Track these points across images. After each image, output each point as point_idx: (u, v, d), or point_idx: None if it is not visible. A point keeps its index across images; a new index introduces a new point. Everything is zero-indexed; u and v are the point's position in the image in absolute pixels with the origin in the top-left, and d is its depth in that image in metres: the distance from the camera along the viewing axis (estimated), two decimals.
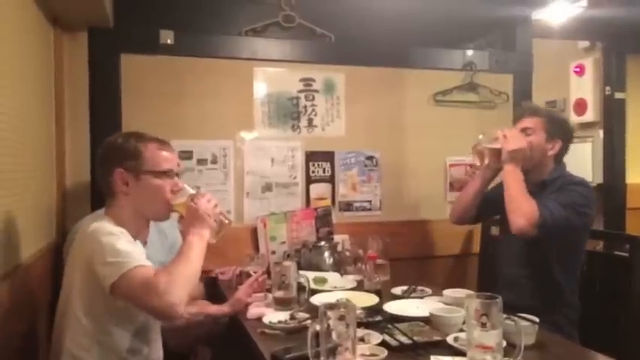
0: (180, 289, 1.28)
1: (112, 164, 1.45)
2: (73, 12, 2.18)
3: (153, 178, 1.45)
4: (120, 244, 1.32)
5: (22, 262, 1.64)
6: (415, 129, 2.92)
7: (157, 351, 1.54)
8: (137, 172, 1.44)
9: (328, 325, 1.19)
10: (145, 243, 2.09)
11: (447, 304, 1.76)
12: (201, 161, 2.60)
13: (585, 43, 3.83)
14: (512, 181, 1.98)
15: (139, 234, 1.51)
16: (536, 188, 2.05)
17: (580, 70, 3.85)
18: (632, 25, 3.18)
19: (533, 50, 3.10)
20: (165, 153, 1.50)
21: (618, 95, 3.63)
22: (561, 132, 2.09)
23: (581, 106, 3.84)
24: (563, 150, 2.10)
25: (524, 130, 2.08)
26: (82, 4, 2.08)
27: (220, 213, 1.51)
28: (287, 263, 1.94)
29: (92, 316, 1.36)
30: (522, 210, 1.91)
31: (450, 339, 1.46)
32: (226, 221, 1.52)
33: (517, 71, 3.07)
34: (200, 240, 1.42)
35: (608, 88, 3.65)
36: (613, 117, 3.64)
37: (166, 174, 1.47)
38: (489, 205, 2.24)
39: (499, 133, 2.07)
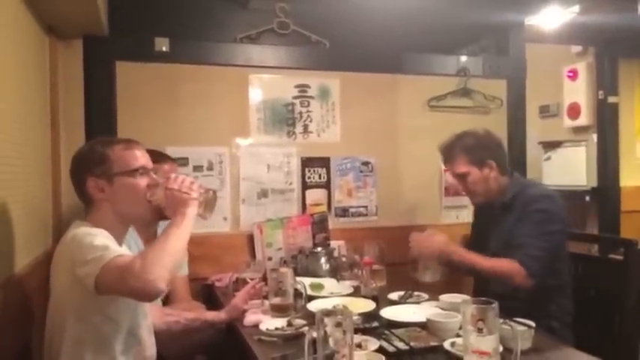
0: (157, 266, 1.25)
1: (82, 174, 1.44)
2: (67, 20, 2.18)
3: (126, 178, 1.43)
4: (97, 240, 1.31)
5: (17, 271, 1.63)
6: (410, 134, 2.94)
7: (150, 348, 1.52)
8: (109, 176, 1.43)
9: (325, 332, 1.19)
10: None
11: (443, 309, 1.77)
12: (197, 168, 2.60)
13: (578, 48, 3.86)
14: (469, 262, 1.99)
15: (121, 239, 1.50)
16: (499, 210, 2.11)
17: (573, 75, 3.88)
18: (624, 30, 3.21)
19: (527, 55, 3.13)
20: (133, 151, 1.47)
21: (611, 99, 3.66)
22: (486, 152, 2.10)
23: (574, 110, 3.86)
24: (501, 163, 2.11)
25: (460, 176, 2.12)
26: (77, 12, 2.08)
27: (200, 186, 1.48)
28: (283, 269, 1.94)
29: (82, 322, 1.35)
30: (505, 273, 1.92)
31: (446, 344, 1.46)
32: (210, 192, 1.50)
33: (511, 76, 3.09)
34: (182, 217, 1.40)
35: (601, 92, 3.68)
36: (606, 121, 3.67)
37: (138, 172, 1.45)
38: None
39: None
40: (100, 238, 1.33)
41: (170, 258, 1.30)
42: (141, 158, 1.48)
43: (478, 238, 2.29)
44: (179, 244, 1.36)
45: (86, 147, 1.49)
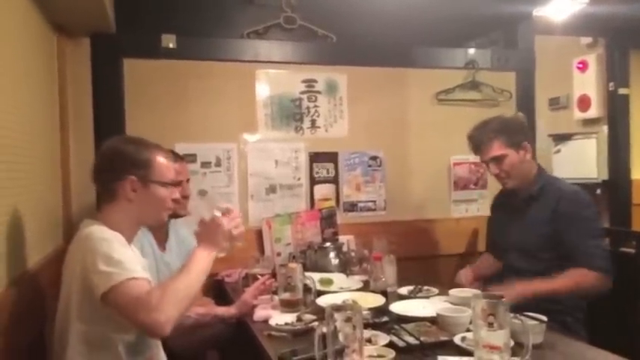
0: (172, 308, 1.27)
1: (123, 171, 1.46)
2: (75, 19, 2.19)
3: (159, 188, 1.49)
4: (113, 251, 1.32)
5: (30, 268, 1.65)
6: (418, 128, 2.92)
7: (158, 353, 1.53)
8: (146, 181, 1.47)
9: (335, 327, 1.19)
10: (164, 249, 2.12)
11: (453, 303, 1.76)
12: (205, 164, 2.61)
13: (588, 39, 3.81)
14: (546, 292, 1.86)
15: (132, 239, 1.52)
16: (524, 202, 2.07)
17: (583, 66, 3.83)
18: (634, 20, 3.16)
19: (536, 47, 3.10)
20: (171, 164, 1.56)
21: (622, 91, 3.61)
22: (522, 134, 2.06)
23: (584, 103, 3.82)
24: (533, 147, 2.10)
25: (495, 160, 2.04)
26: (85, 10, 2.09)
27: (239, 234, 1.51)
28: (293, 265, 1.94)
29: (90, 322, 1.36)
30: (585, 286, 1.86)
31: (457, 339, 1.45)
32: (239, 243, 1.53)
33: (519, 69, 3.07)
34: (208, 256, 1.43)
35: (611, 83, 3.63)
36: (617, 113, 3.62)
37: (172, 184, 1.52)
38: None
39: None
40: (117, 247, 1.34)
41: (186, 300, 1.33)
42: (174, 172, 1.56)
43: (497, 234, 2.28)
44: (198, 284, 1.39)
45: (131, 146, 1.50)
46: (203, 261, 1.41)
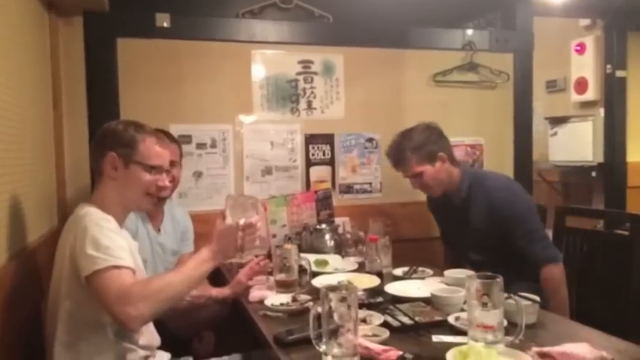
0: (149, 306, 1.28)
1: (106, 147, 1.48)
2: None
3: (141, 170, 1.48)
4: (102, 236, 1.33)
5: (28, 245, 1.67)
6: (415, 110, 2.90)
7: (149, 335, 1.52)
8: (127, 161, 1.47)
9: (330, 307, 1.19)
10: (158, 230, 2.12)
11: (447, 284, 1.78)
12: (200, 145, 2.59)
13: (586, 21, 3.79)
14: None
15: (122, 221, 1.52)
16: (462, 203, 2.14)
17: (581, 49, 3.81)
18: (633, 2, 3.14)
19: (534, 28, 3.07)
20: (161, 149, 1.53)
21: (619, 73, 3.60)
22: (434, 145, 2.11)
23: (581, 85, 3.81)
24: (449, 153, 2.14)
25: (416, 177, 2.12)
26: None
27: (250, 248, 1.51)
28: (288, 246, 1.94)
29: (79, 302, 1.37)
30: (561, 281, 1.94)
31: (451, 319, 1.47)
32: (248, 256, 1.56)
33: (517, 50, 3.04)
34: (210, 261, 1.42)
35: (609, 66, 3.61)
36: (614, 95, 3.61)
37: (155, 169, 1.50)
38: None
39: None
40: (106, 233, 1.34)
41: (165, 304, 1.33)
42: (163, 157, 1.53)
43: (448, 231, 2.38)
44: (187, 290, 1.41)
45: (121, 126, 1.52)
46: (202, 267, 1.41)
